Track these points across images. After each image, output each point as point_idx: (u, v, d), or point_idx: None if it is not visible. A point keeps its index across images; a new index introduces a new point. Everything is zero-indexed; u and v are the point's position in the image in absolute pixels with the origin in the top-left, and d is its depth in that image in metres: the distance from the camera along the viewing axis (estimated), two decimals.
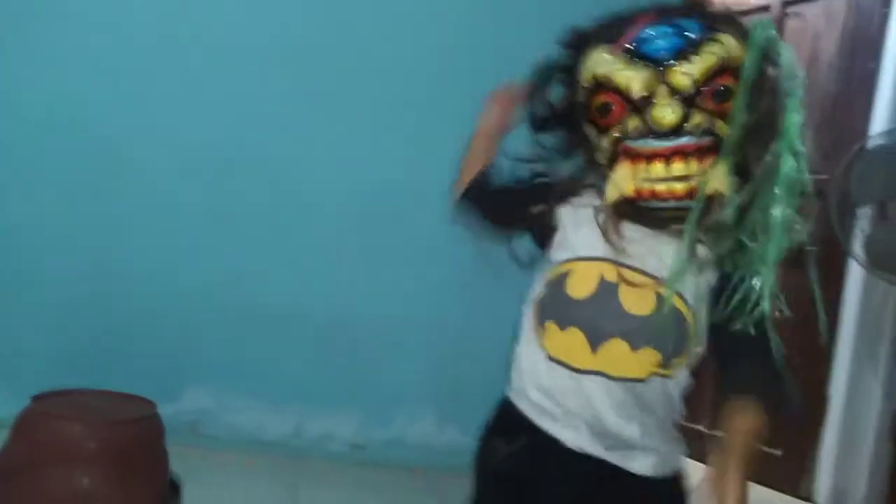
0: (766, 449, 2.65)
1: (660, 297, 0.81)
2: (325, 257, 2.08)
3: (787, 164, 0.77)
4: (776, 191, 0.77)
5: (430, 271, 1.74)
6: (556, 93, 0.88)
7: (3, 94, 1.93)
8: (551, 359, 0.85)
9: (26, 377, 1.69)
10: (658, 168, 0.76)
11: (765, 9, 2.79)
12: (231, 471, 1.88)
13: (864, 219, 2.02)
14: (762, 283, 0.82)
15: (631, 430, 0.83)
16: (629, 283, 0.81)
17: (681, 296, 0.81)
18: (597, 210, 0.84)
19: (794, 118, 0.77)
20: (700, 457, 2.83)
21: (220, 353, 2.06)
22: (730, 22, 0.80)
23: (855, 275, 2.43)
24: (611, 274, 0.82)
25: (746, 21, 0.82)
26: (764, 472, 2.64)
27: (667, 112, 0.75)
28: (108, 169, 1.99)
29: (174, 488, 1.65)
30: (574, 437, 0.84)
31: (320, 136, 2.08)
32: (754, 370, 0.86)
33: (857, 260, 2.07)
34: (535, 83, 0.89)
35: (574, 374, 0.83)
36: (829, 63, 2.62)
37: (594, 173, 0.86)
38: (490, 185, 0.97)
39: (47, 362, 1.88)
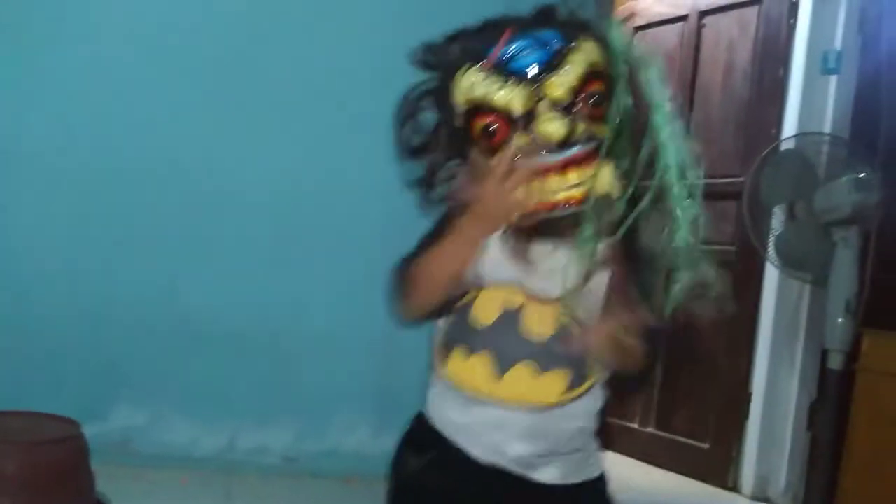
0: (693, 442, 2.76)
1: (563, 319, 0.81)
2: (254, 271, 2.06)
3: (669, 169, 0.81)
4: (669, 191, 0.81)
5: (359, 282, 1.75)
6: (426, 118, 0.87)
7: None
8: (457, 386, 0.85)
9: None
10: (554, 181, 0.78)
11: (682, 19, 2.92)
12: (165, 488, 1.85)
13: (775, 219, 2.14)
14: (678, 278, 0.80)
15: (538, 450, 0.84)
16: (534, 306, 0.82)
17: (585, 316, 0.82)
18: (502, 233, 0.83)
19: (665, 129, 0.81)
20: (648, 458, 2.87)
21: (150, 369, 2.01)
22: (584, 28, 0.82)
23: (771, 274, 2.56)
24: (515, 298, 0.83)
25: (598, 24, 0.85)
26: (693, 464, 2.78)
27: (555, 126, 0.77)
28: (15, 180, 1.92)
29: None
30: (482, 454, 0.84)
31: (249, 148, 2.06)
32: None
33: (768, 259, 2.18)
34: (405, 113, 0.87)
35: (480, 401, 0.83)
36: (742, 70, 2.75)
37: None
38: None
39: None
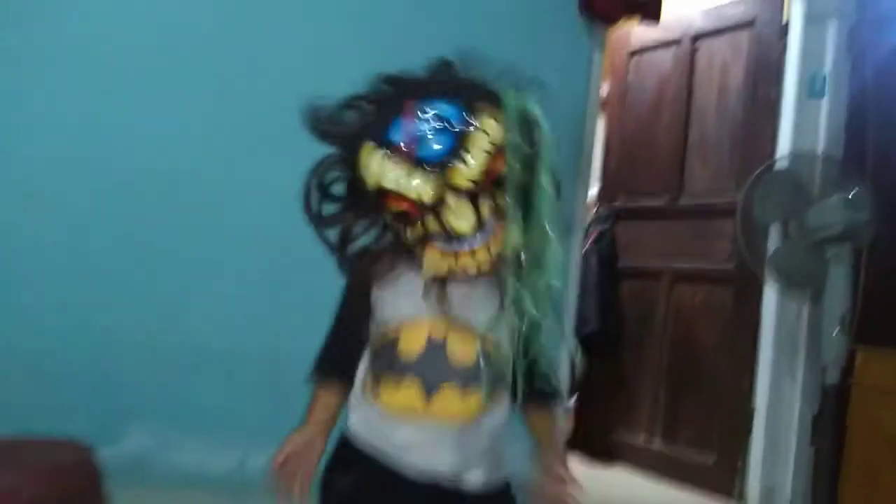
0: (699, 456, 2.79)
1: (482, 347, 0.90)
2: (257, 296, 2.10)
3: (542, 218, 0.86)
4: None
5: None
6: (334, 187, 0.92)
7: None
8: (386, 411, 0.92)
9: None
10: (465, 259, 0.85)
11: (675, 42, 2.98)
12: None
13: (769, 238, 2.18)
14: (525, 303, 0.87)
15: (463, 462, 0.92)
16: (456, 335, 0.90)
17: (496, 342, 0.90)
18: (413, 280, 0.91)
19: (544, 179, 0.86)
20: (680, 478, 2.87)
21: (160, 395, 2.05)
22: (483, 97, 0.86)
23: (771, 291, 2.60)
24: (437, 330, 0.90)
25: (496, 88, 0.88)
26: (699, 477, 2.80)
27: (462, 222, 0.83)
28: (17, 208, 1.94)
29: None
30: (414, 469, 0.92)
31: (246, 176, 2.11)
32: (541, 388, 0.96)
33: (761, 277, 2.22)
34: (312, 184, 0.91)
35: (410, 425, 0.91)
36: (736, 91, 2.81)
37: (394, 240, 0.92)
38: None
39: None
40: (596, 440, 3.07)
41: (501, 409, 0.95)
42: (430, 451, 0.91)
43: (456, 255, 0.85)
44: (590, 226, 3.17)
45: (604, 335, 3.02)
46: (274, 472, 0.93)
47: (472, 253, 0.85)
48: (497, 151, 0.84)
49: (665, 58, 3.05)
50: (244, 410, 2.08)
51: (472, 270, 0.86)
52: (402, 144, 0.83)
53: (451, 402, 0.90)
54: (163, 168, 2.05)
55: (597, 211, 3.25)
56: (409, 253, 0.90)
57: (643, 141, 3.13)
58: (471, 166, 0.82)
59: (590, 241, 3.11)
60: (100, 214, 2.01)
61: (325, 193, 0.91)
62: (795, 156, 2.29)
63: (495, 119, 0.85)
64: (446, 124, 0.83)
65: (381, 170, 0.83)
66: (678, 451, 2.81)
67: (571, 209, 2.37)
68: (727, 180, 2.74)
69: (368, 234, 0.94)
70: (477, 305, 0.90)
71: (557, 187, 0.89)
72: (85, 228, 2.00)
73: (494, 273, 0.88)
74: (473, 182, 0.83)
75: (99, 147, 2.01)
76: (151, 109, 2.04)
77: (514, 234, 0.84)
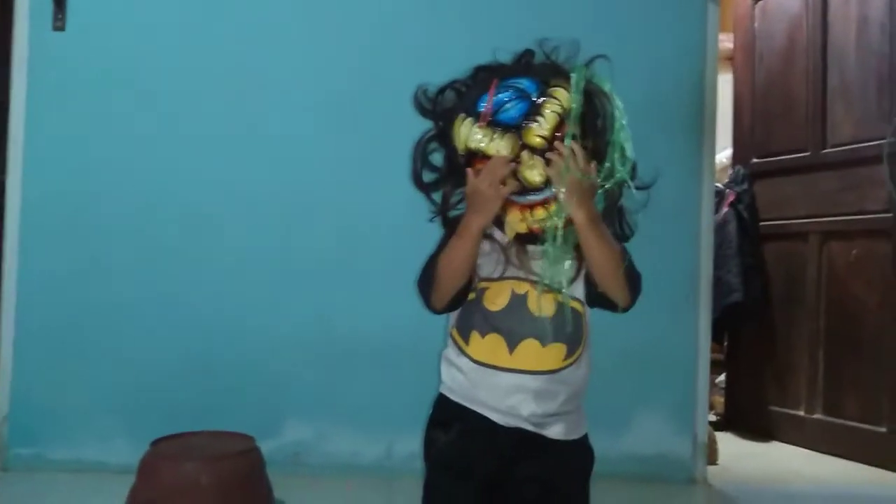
0: (867, 427, 2.57)
1: (558, 303, 1.00)
2: (394, 291, 2.19)
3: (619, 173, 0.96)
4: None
5: None
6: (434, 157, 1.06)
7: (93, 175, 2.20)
8: (475, 362, 1.04)
9: (146, 427, 1.90)
10: (539, 212, 0.97)
11: None
12: (332, 494, 2.03)
13: None
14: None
15: (545, 410, 1.02)
16: (534, 293, 1.00)
17: (574, 297, 1.02)
18: (500, 242, 1.03)
19: (622, 137, 0.96)
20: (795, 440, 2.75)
21: (314, 389, 2.21)
22: (557, 73, 0.99)
23: None
24: (519, 287, 1.02)
25: (567, 66, 1.00)
26: (868, 450, 2.58)
27: (534, 174, 0.95)
28: (197, 238, 2.19)
29: None
30: (500, 418, 1.02)
31: (379, 176, 2.22)
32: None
33: None
34: (417, 155, 1.06)
35: (496, 372, 1.02)
36: (878, 23, 2.55)
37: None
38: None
39: (162, 413, 2.09)
40: (751, 416, 2.91)
41: (581, 369, 1.05)
42: (513, 398, 1.01)
43: (531, 207, 0.96)
44: (725, 188, 3.00)
45: (750, 304, 2.85)
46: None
47: (544, 203, 0.95)
48: (566, 117, 0.95)
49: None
50: (390, 401, 2.19)
51: (547, 226, 0.95)
52: (487, 114, 0.96)
53: (532, 353, 1.01)
54: (294, 184, 2.22)
55: (732, 172, 3.07)
56: (496, 218, 1.01)
57: (777, 93, 2.91)
58: (542, 125, 0.95)
59: (726, 205, 2.95)
60: (256, 232, 2.21)
61: (426, 162, 1.06)
62: None
63: (566, 90, 0.97)
64: (523, 94, 0.97)
65: (468, 134, 0.98)
66: (843, 422, 2.60)
67: (696, 172, 2.26)
68: (876, 123, 2.49)
69: (463, 203, 1.07)
70: (557, 264, 0.98)
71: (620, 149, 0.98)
72: (245, 245, 2.21)
73: (567, 232, 0.97)
74: (544, 139, 0.95)
75: (242, 174, 2.21)
76: (290, 135, 2.22)
77: (567, 166, 0.94)
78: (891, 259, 2.49)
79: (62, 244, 2.18)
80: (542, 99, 0.96)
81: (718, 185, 2.97)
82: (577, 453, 1.07)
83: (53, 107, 2.18)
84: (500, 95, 0.97)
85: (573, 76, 0.97)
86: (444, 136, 1.03)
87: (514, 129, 0.96)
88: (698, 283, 2.27)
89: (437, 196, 1.07)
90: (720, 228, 2.86)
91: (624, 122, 0.97)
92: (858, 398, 2.57)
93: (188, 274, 2.20)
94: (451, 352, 1.08)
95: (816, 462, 2.57)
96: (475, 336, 1.03)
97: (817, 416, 2.69)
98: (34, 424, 2.16)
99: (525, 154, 0.96)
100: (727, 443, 2.70)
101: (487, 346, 1.02)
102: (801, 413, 2.74)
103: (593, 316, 1.11)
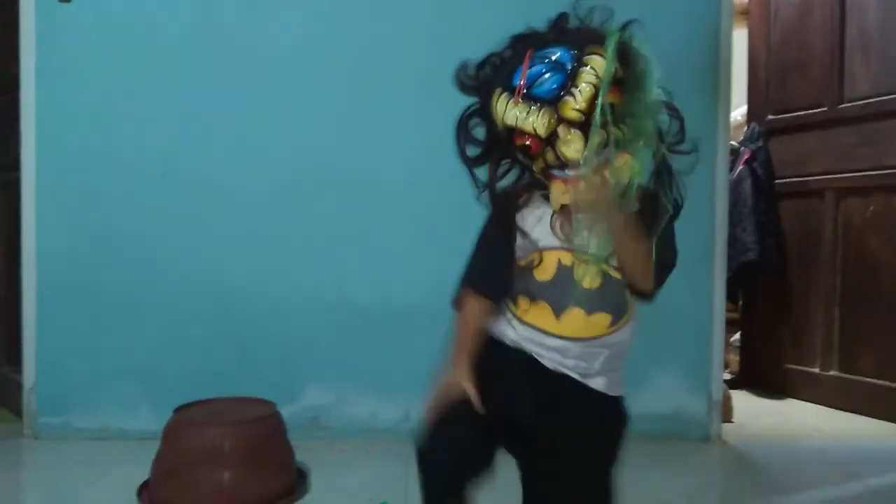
0: (884, 382, 2.58)
1: (605, 274, 1.02)
2: (410, 257, 2.21)
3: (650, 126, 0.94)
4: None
5: None
6: (477, 130, 1.06)
7: (124, 157, 2.22)
8: (523, 322, 1.07)
9: (169, 394, 1.95)
10: (580, 187, 0.94)
11: None
12: (352, 456, 2.06)
13: None
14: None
15: (586, 368, 1.06)
16: (581, 264, 1.02)
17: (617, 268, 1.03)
18: (546, 213, 1.04)
19: (654, 101, 0.94)
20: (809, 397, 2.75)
21: (332, 355, 2.25)
22: (592, 39, 0.96)
23: None
24: (566, 258, 1.03)
25: (602, 31, 0.96)
26: (886, 406, 2.58)
27: (571, 150, 0.94)
28: (214, 208, 2.22)
29: (302, 475, 1.85)
30: (549, 364, 1.06)
31: (386, 150, 2.22)
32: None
33: None
34: (460, 130, 1.05)
35: (543, 335, 1.05)
36: None
37: (531, 179, 1.06)
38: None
39: (184, 381, 2.14)
40: (767, 373, 2.92)
41: (623, 335, 1.07)
42: (559, 357, 1.05)
43: (577, 179, 0.94)
44: (740, 146, 2.97)
45: (765, 262, 2.83)
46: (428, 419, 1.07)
47: (595, 176, 0.93)
48: (600, 85, 0.93)
49: None
50: (409, 364, 2.21)
51: (590, 198, 0.93)
52: (523, 88, 0.94)
53: (577, 321, 1.04)
54: (310, 154, 2.22)
55: (748, 129, 3.03)
56: (542, 188, 1.03)
57: (793, 47, 2.85)
58: (578, 98, 0.92)
59: (741, 163, 2.91)
60: (272, 199, 2.23)
61: (469, 138, 1.06)
62: None
63: (602, 56, 0.94)
64: (558, 65, 0.94)
65: (504, 109, 0.96)
66: (859, 378, 2.61)
67: (711, 129, 2.23)
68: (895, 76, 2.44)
69: (509, 174, 1.08)
70: (601, 235, 0.98)
71: (673, 110, 0.99)
72: (260, 212, 2.23)
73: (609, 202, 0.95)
74: (581, 112, 0.92)
75: (259, 148, 2.22)
76: (302, 104, 2.22)
77: (593, 144, 0.93)
78: None
79: (79, 216, 2.20)
80: (578, 67, 0.94)
81: (733, 142, 2.94)
82: (615, 410, 1.10)
83: (64, 79, 2.19)
84: (534, 68, 0.95)
85: (607, 43, 0.93)
86: (484, 110, 1.02)
87: (550, 102, 0.94)
88: (713, 242, 2.26)
89: (481, 172, 1.07)
90: (735, 186, 2.84)
91: (651, 86, 0.94)
92: (874, 354, 2.57)
93: (206, 242, 2.23)
94: (503, 311, 1.10)
95: (832, 418, 2.58)
96: (523, 301, 1.07)
97: (833, 372, 2.69)
98: (60, 394, 2.21)
99: (562, 128, 0.94)
100: (742, 400, 2.71)
101: (536, 313, 1.05)
102: (817, 370, 2.75)
103: None
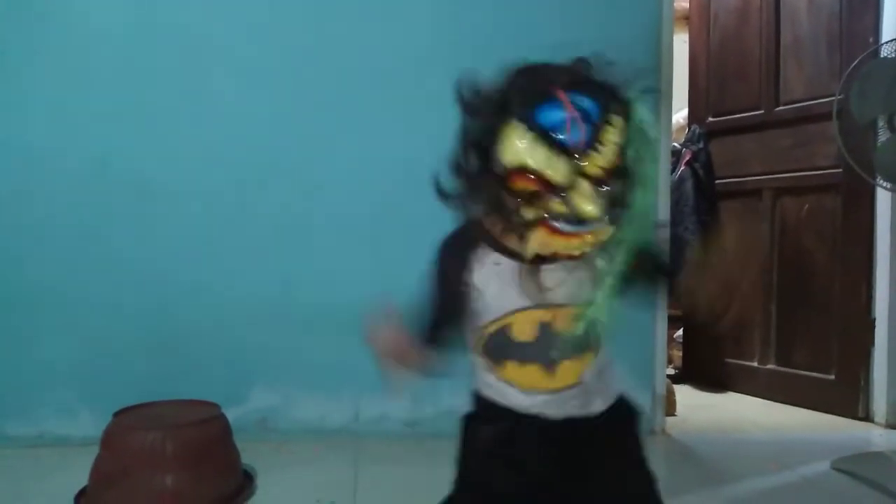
0: (818, 375, 2.68)
1: (585, 318, 0.95)
2: (356, 256, 2.20)
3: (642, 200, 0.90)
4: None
5: None
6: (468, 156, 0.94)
7: (53, 149, 2.14)
8: (517, 386, 1.02)
9: (110, 399, 1.87)
10: (574, 242, 0.88)
11: None
12: (301, 458, 2.04)
13: (874, 133, 2.02)
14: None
15: (586, 402, 1.03)
16: (561, 315, 0.97)
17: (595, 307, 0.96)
18: (506, 266, 0.97)
19: (649, 170, 0.90)
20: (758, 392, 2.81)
21: (278, 356, 2.21)
22: (616, 98, 0.90)
23: (882, 194, 2.42)
24: (545, 316, 0.98)
25: (625, 94, 0.91)
26: (819, 397, 2.68)
27: (591, 207, 0.86)
28: (154, 205, 2.16)
29: (248, 478, 1.83)
30: (550, 414, 1.02)
31: (338, 138, 2.20)
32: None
33: (869, 178, 2.06)
34: (455, 159, 0.94)
35: (537, 394, 1.01)
36: None
37: (494, 220, 0.95)
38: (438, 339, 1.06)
39: (125, 384, 2.07)
40: (708, 368, 3.01)
41: (605, 352, 1.05)
42: (559, 407, 1.01)
43: (578, 236, 0.88)
44: (682, 147, 3.05)
45: None
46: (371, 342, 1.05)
47: (591, 235, 0.88)
48: (622, 151, 0.88)
49: None
50: (356, 364, 2.17)
51: (575, 253, 0.90)
52: (549, 129, 0.86)
53: (571, 370, 1.01)
54: (259, 150, 2.19)
55: (689, 131, 3.11)
56: (504, 242, 0.96)
57: (732, 52, 2.95)
58: (604, 156, 0.86)
59: (683, 164, 2.99)
60: (214, 198, 2.19)
61: (458, 171, 0.94)
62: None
63: (623, 119, 0.89)
64: (587, 115, 0.87)
65: (527, 149, 0.86)
66: (795, 371, 2.71)
67: (654, 131, 2.28)
68: (827, 80, 2.54)
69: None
70: (575, 283, 0.95)
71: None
72: (202, 211, 2.19)
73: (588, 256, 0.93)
74: (603, 171, 0.86)
75: (205, 155, 2.18)
76: (246, 100, 2.18)
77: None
78: (840, 213, 2.57)
79: (9, 214, 2.12)
80: (605, 124, 0.87)
81: (676, 144, 3.02)
82: (617, 418, 1.06)
83: None
84: (565, 113, 0.87)
85: (631, 108, 0.89)
86: (486, 142, 0.90)
87: (575, 153, 0.86)
88: (655, 241, 2.31)
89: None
90: (677, 187, 2.91)
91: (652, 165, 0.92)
92: (809, 348, 2.67)
93: (146, 241, 2.17)
94: (481, 372, 1.05)
95: (770, 410, 2.67)
96: (511, 365, 1.02)
97: (770, 366, 2.79)
98: None
99: (581, 182, 0.87)
100: (685, 395, 2.79)
101: (526, 374, 1.01)
102: (755, 364, 2.84)
103: None
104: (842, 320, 2.56)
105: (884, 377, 2.46)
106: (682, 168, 2.98)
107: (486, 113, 0.91)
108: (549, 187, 0.86)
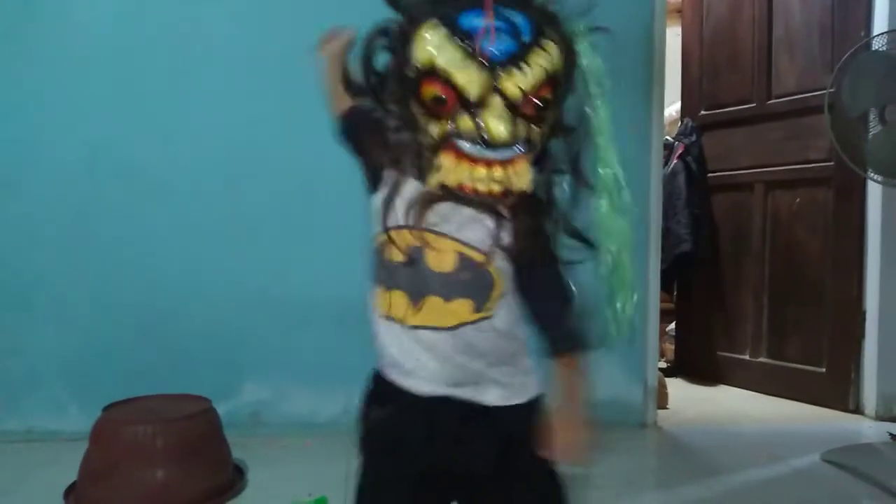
0: (809, 368, 2.69)
1: (460, 255, 0.88)
2: (349, 250, 2.18)
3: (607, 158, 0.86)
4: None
5: None
6: (379, 56, 0.88)
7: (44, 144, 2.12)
8: (387, 318, 0.93)
9: (100, 393, 1.86)
10: (481, 171, 0.80)
11: None
12: (292, 452, 2.04)
13: (867, 126, 2.02)
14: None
15: (473, 367, 0.92)
16: (433, 247, 0.89)
17: (479, 250, 0.89)
18: (413, 186, 0.89)
19: (604, 120, 0.86)
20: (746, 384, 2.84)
21: (270, 350, 2.21)
22: (553, 23, 0.83)
23: (873, 186, 2.42)
24: (417, 239, 0.89)
25: (564, 19, 0.84)
26: (810, 390, 2.70)
27: (501, 129, 0.78)
28: (145, 198, 2.15)
29: (240, 472, 1.82)
30: (428, 385, 0.92)
31: (325, 133, 2.19)
32: (552, 313, 0.94)
33: (860, 171, 2.06)
34: (364, 51, 0.88)
35: (408, 330, 0.91)
36: None
37: (409, 142, 0.87)
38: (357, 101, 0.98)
39: (115, 379, 2.06)
40: (700, 361, 3.02)
41: (496, 324, 0.93)
42: (428, 355, 0.91)
43: (486, 162, 0.80)
44: (675, 141, 3.05)
45: (698, 254, 2.92)
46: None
47: (503, 163, 0.80)
48: (549, 79, 0.81)
49: None
50: (347, 358, 2.18)
51: (481, 188, 0.80)
52: (468, 32, 0.79)
53: (436, 310, 0.90)
54: (249, 141, 2.18)
55: (681, 124, 3.11)
56: (417, 160, 0.86)
57: (724, 45, 2.94)
58: (525, 77, 0.79)
59: (675, 157, 2.99)
60: (207, 189, 2.17)
61: (368, 63, 0.87)
62: (894, 34, 2.08)
63: (557, 46, 0.82)
64: (516, 31, 0.80)
65: (440, 47, 0.79)
66: (786, 364, 2.72)
67: (645, 123, 2.29)
68: (819, 73, 2.54)
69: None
70: (457, 216, 0.88)
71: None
72: (194, 203, 2.17)
73: (500, 203, 0.85)
74: (522, 92, 0.79)
75: (200, 145, 2.16)
76: (236, 92, 2.17)
77: (527, 172, 0.82)
78: (832, 206, 2.58)
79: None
80: (534, 44, 0.80)
81: (668, 137, 3.01)
82: (529, 418, 0.94)
83: None
84: (490, 21, 0.79)
85: (573, 36, 0.83)
86: (401, 39, 0.83)
87: (493, 68, 0.79)
88: (648, 235, 2.31)
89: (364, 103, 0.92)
90: (669, 180, 2.91)
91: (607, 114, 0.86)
92: (800, 341, 2.68)
93: (136, 234, 2.15)
94: (374, 311, 0.97)
95: (761, 403, 2.68)
96: (380, 290, 0.94)
97: (762, 359, 2.80)
98: None
99: (497, 100, 0.79)
100: (677, 388, 2.79)
101: (394, 301, 0.92)
102: (747, 357, 2.85)
103: None
104: (833, 313, 2.57)
105: (874, 370, 2.47)
106: (674, 161, 2.98)
107: (411, 6, 0.84)
108: (459, 98, 0.79)
